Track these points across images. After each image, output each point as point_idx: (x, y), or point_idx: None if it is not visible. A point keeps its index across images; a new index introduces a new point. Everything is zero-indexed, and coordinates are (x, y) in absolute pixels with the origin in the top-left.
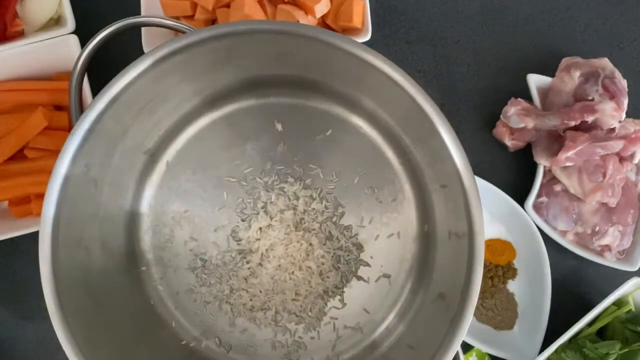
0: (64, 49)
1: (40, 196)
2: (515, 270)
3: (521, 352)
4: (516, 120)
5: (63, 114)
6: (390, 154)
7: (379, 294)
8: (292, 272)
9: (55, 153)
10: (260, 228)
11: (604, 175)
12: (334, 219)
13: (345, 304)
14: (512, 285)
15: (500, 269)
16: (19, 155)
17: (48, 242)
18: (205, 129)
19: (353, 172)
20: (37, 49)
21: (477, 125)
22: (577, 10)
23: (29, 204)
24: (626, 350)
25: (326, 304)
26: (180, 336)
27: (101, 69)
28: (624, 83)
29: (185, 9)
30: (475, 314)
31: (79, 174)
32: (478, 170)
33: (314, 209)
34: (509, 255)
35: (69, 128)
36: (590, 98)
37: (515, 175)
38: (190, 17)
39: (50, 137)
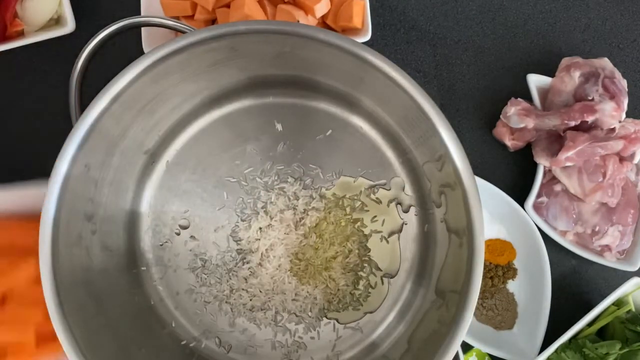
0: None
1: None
2: (515, 270)
3: (521, 352)
4: (516, 120)
5: None
6: (390, 154)
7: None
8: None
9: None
10: (260, 228)
11: (604, 175)
12: None
13: None
14: (512, 285)
15: (500, 269)
16: None
17: (48, 242)
18: (205, 129)
19: (353, 172)
20: None
21: (477, 125)
22: (577, 10)
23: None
24: (626, 350)
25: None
26: (180, 336)
27: (101, 69)
28: (624, 83)
29: (185, 9)
30: (475, 314)
31: (79, 174)
32: (478, 170)
33: (314, 208)
34: (509, 255)
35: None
36: (590, 98)
37: (515, 175)
38: (190, 17)
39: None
